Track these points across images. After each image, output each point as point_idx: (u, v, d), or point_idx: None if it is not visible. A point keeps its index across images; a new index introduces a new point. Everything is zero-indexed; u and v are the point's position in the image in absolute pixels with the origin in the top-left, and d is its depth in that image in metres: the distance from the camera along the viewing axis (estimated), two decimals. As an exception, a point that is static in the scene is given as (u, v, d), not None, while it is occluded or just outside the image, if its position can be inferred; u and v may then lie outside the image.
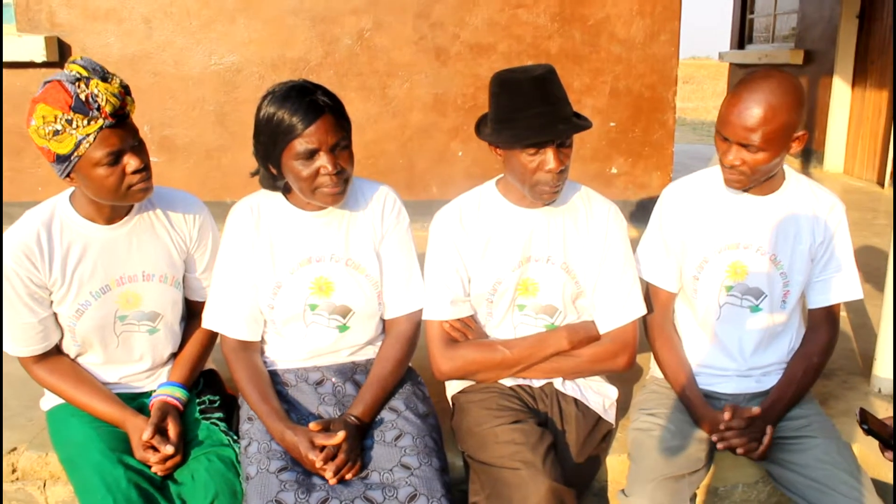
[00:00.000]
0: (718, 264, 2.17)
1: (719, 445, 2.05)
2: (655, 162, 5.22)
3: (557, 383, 2.17)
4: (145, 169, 1.92)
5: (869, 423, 1.49)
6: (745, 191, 2.13)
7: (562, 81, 2.01)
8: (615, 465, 2.28)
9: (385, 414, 2.07)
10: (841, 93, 7.62)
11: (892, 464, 1.43)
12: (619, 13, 4.98)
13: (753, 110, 1.92)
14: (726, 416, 2.06)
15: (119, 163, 1.87)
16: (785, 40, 9.04)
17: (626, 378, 2.54)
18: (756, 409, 2.07)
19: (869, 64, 7.30)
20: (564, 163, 1.98)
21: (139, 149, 1.92)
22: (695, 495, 2.14)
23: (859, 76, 7.46)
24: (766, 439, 2.03)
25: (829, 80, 7.76)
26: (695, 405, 2.17)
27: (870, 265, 4.14)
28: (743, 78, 2.00)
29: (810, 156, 8.25)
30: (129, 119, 1.90)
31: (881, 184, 7.09)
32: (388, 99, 5.07)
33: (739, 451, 2.05)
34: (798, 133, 1.98)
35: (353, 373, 2.18)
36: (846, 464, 1.99)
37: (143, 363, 2.18)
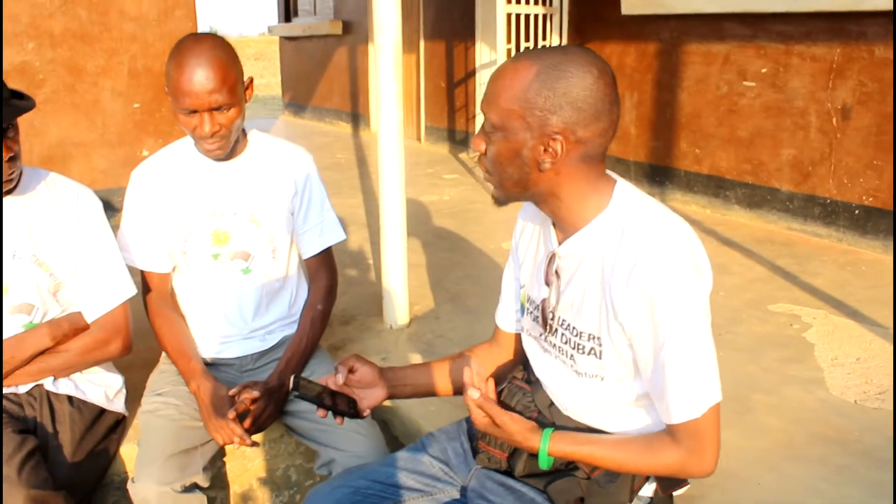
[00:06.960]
0: (201, 234, 2.17)
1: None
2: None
3: (48, 384, 2.03)
4: None
5: (300, 390, 1.53)
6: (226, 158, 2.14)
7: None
8: (132, 454, 2.21)
9: None
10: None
11: None
12: (127, -11, 4.72)
13: (207, 73, 1.93)
14: (237, 409, 2.02)
15: None
16: (327, 13, 9.49)
17: (146, 363, 2.45)
18: (256, 394, 2.04)
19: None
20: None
21: None
22: (216, 463, 2.16)
23: (390, 43, 8.09)
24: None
25: (366, 47, 8.32)
26: (193, 373, 2.13)
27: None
28: (177, 46, 2.00)
29: (359, 119, 8.82)
30: None
31: (419, 140, 7.84)
32: None
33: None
34: (246, 81, 2.08)
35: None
36: None
37: None
